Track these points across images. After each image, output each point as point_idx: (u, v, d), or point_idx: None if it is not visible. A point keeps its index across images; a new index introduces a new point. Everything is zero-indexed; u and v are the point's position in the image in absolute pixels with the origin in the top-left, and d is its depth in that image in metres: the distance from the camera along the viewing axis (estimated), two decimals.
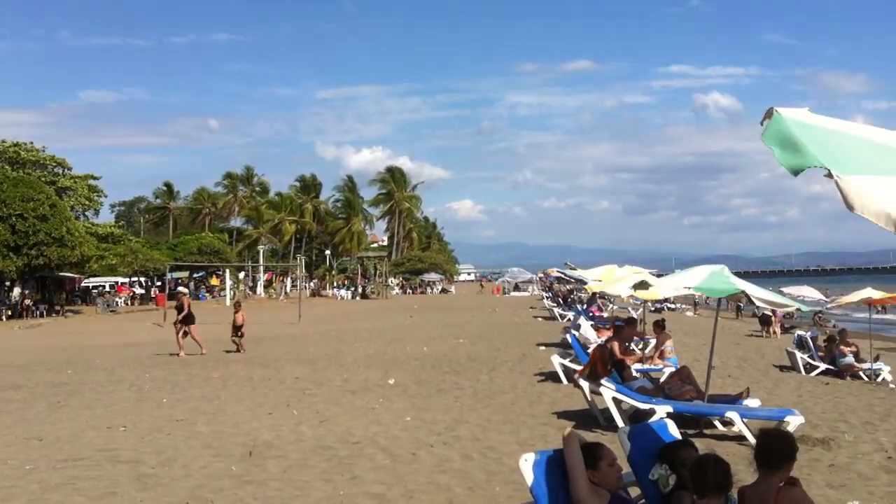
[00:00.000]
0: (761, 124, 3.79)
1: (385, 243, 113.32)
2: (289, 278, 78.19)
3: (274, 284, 77.23)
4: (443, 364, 18.25)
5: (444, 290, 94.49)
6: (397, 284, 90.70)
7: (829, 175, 3.31)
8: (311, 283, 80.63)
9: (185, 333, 21.00)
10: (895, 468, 9.14)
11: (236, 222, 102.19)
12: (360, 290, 76.41)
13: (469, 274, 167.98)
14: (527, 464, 4.91)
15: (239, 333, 21.75)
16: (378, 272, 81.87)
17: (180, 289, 25.22)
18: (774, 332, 30.84)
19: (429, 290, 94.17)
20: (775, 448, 4.49)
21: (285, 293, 71.69)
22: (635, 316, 24.24)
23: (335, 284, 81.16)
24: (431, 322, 34.80)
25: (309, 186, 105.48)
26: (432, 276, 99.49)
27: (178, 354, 20.52)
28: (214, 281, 73.61)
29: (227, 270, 65.58)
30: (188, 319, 21.09)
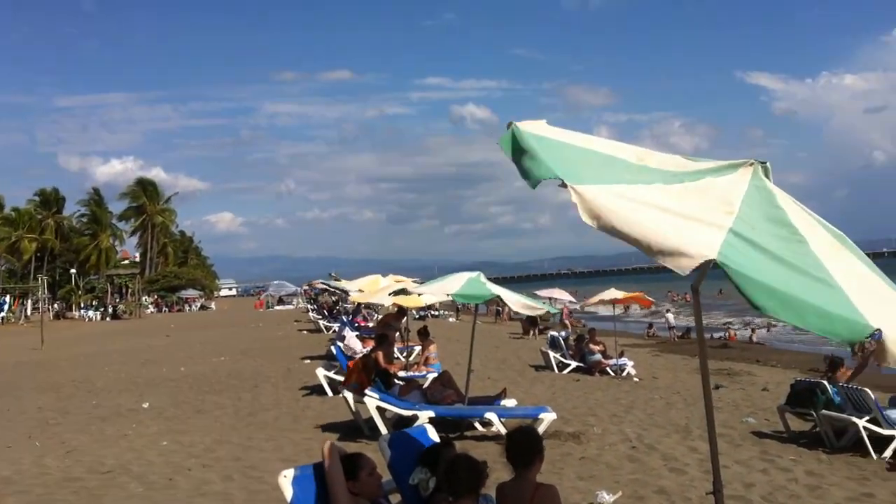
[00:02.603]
0: (498, 143, 3.87)
1: (137, 260, 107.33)
2: (29, 300, 72.21)
3: (13, 307, 70.98)
4: (202, 384, 17.54)
5: (203, 307, 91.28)
6: (152, 303, 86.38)
7: (564, 185, 3.44)
8: (56, 305, 75.02)
9: None
10: (638, 457, 9.83)
11: None
12: (110, 310, 72.10)
13: (231, 289, 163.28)
14: (286, 480, 4.78)
15: None
16: (130, 290, 77.57)
17: None
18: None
19: (187, 307, 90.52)
20: (522, 446, 4.65)
21: (25, 316, 66.20)
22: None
23: (82, 305, 75.93)
24: (190, 341, 33.40)
25: (50, 201, 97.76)
26: (191, 293, 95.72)
27: None
28: None
29: None
30: None
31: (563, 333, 23.11)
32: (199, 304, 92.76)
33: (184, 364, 22.34)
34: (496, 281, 12.24)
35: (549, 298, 33.91)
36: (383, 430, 10.09)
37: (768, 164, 3.98)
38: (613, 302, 25.74)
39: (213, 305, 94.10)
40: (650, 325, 38.90)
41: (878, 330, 3.20)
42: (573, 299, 38.56)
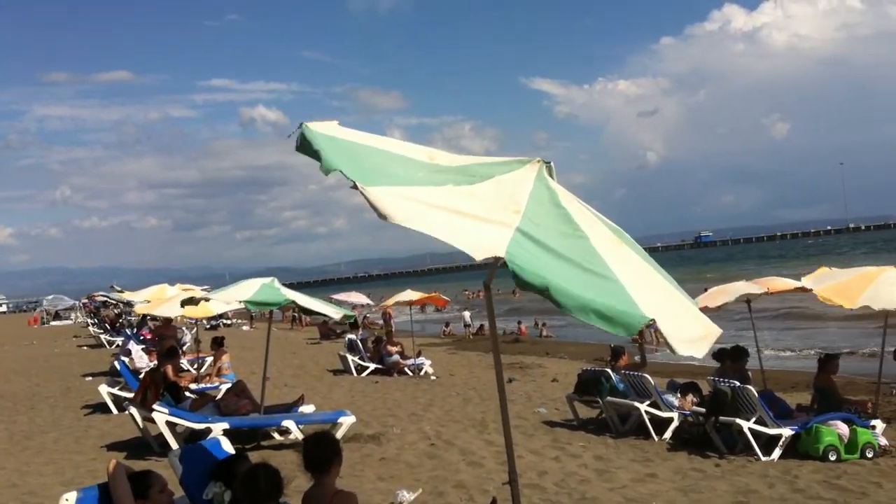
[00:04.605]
0: (289, 137, 3.81)
1: None
2: None
3: None
4: None
5: None
6: None
7: (355, 186, 3.43)
8: None
9: None
10: (437, 453, 9.99)
11: None
12: None
13: (0, 305, 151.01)
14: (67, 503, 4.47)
15: None
16: None
17: None
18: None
19: None
20: (317, 452, 4.60)
21: None
22: (189, 336, 23.63)
23: None
24: None
25: None
26: None
27: None
28: None
29: None
30: None
31: (361, 336, 23.08)
32: None
33: None
34: (292, 286, 12.04)
35: (341, 302, 33.91)
36: (174, 445, 9.64)
37: (552, 163, 4.14)
38: (410, 303, 26.13)
39: None
40: (447, 324, 39.69)
41: (653, 320, 3.41)
42: (370, 302, 38.70)
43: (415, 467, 9.27)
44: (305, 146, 3.74)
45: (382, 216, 3.42)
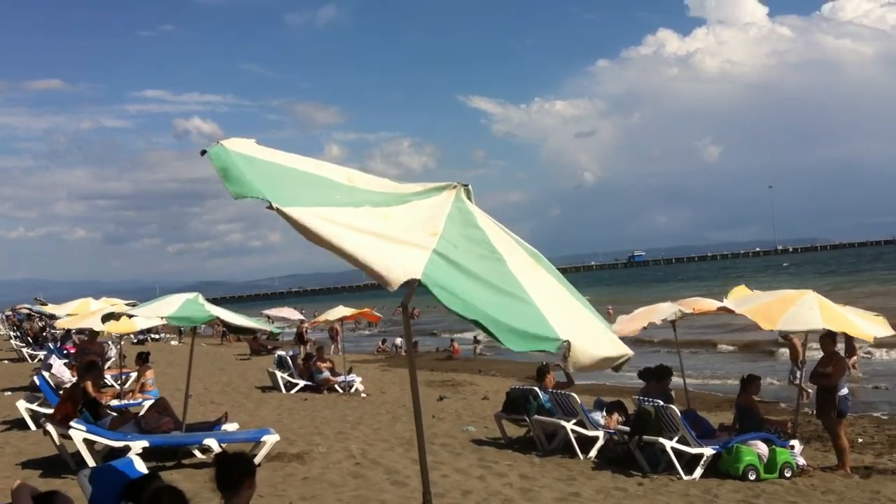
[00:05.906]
0: (202, 154, 3.74)
1: None
2: None
3: None
4: None
5: None
6: None
7: (272, 207, 3.40)
8: None
9: None
10: (362, 473, 9.89)
11: None
12: None
13: None
14: None
15: None
16: None
17: None
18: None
19: None
20: (227, 471, 4.53)
21: None
22: (114, 350, 23.03)
23: None
24: None
25: None
26: None
27: None
28: None
29: None
30: None
31: (292, 353, 22.81)
32: None
33: None
34: (223, 301, 11.88)
35: (273, 318, 33.50)
36: (91, 463, 9.38)
37: (470, 186, 4.16)
38: (342, 319, 25.97)
39: None
40: (383, 341, 39.46)
41: (567, 341, 3.45)
42: (303, 317, 38.35)
43: (338, 487, 9.17)
44: (220, 167, 3.68)
45: (304, 233, 3.42)
